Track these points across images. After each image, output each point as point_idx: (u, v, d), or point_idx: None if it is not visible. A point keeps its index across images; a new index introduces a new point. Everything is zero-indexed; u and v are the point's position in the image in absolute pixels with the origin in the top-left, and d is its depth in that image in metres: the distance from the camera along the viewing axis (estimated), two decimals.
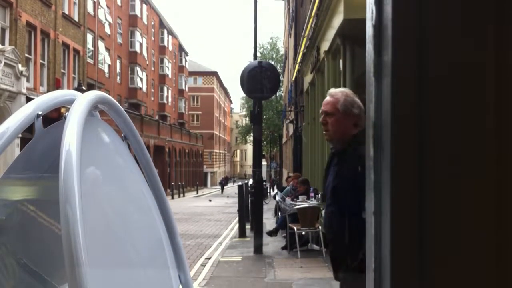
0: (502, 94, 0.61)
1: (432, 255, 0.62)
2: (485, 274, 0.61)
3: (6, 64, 16.43)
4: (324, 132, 2.59)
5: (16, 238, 1.40)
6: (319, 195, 10.01)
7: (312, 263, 8.44)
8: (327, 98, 2.57)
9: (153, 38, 46.31)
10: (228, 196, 33.72)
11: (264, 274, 7.85)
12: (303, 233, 9.46)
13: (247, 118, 49.28)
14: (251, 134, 31.80)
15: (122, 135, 1.63)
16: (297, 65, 18.21)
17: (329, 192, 2.56)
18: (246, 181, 17.20)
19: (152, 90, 45.68)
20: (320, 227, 9.27)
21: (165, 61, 49.47)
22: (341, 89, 2.63)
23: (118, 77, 36.53)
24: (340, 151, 2.57)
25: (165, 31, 49.69)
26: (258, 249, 9.59)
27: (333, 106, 2.52)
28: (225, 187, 46.55)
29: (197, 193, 41.95)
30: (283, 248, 9.83)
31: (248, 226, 12.37)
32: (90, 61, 28.46)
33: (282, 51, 43.99)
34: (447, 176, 0.62)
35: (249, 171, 66.07)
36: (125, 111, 1.65)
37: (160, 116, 45.47)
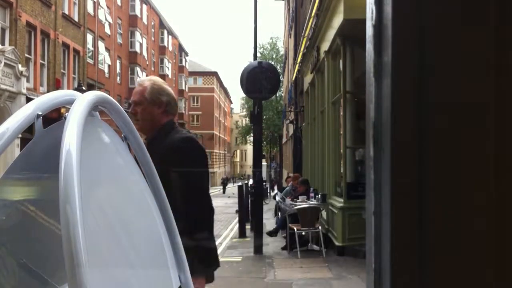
0: (502, 94, 0.61)
1: (432, 255, 0.61)
2: (485, 274, 0.61)
3: (6, 64, 16.43)
4: (135, 122, 2.52)
5: (16, 238, 1.40)
6: (319, 195, 10.02)
7: (312, 263, 8.44)
8: (136, 88, 2.53)
9: (153, 38, 46.31)
10: (229, 197, 33.71)
11: (264, 274, 7.84)
12: (303, 233, 9.46)
13: (247, 118, 49.29)
14: (251, 134, 31.82)
15: (122, 135, 1.63)
16: (297, 65, 18.21)
17: None
18: (246, 182, 17.20)
19: None
20: (320, 228, 9.27)
21: (165, 61, 49.47)
22: (150, 77, 2.61)
23: (118, 77, 36.53)
24: (151, 139, 2.53)
25: (165, 31, 49.70)
26: (258, 249, 9.59)
27: (141, 94, 2.48)
28: (226, 187, 46.63)
29: None
30: (283, 248, 9.82)
31: (248, 226, 12.36)
32: (90, 61, 28.46)
33: (282, 51, 44.00)
34: (447, 176, 0.62)
35: (249, 171, 66.06)
36: (125, 111, 1.64)
37: None
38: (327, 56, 10.46)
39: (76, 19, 24.63)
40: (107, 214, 1.44)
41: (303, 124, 17.67)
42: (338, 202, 9.27)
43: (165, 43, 49.69)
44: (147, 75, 42.77)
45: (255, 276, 7.83)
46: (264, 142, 44.59)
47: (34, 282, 1.37)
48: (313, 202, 9.88)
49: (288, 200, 10.65)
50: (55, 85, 21.26)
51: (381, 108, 0.66)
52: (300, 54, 16.01)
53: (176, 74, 55.74)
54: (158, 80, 2.59)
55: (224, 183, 47.33)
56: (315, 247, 9.50)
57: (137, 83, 2.57)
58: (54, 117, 1.56)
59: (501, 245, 0.61)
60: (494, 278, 0.61)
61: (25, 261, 1.35)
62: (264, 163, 32.22)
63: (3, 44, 17.53)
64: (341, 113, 9.44)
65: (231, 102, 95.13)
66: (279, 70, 31.36)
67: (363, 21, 0.71)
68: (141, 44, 41.27)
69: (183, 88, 57.83)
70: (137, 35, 40.09)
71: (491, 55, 0.61)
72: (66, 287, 1.08)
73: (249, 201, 13.01)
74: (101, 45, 31.48)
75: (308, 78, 15.41)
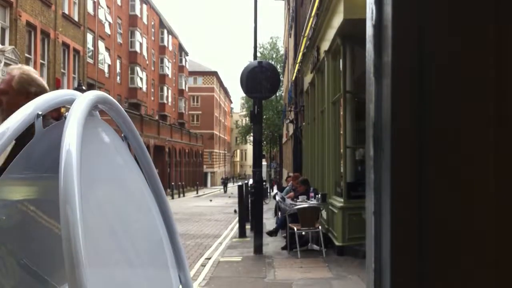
0: (502, 94, 0.61)
1: (432, 255, 0.61)
2: (485, 274, 0.61)
3: (6, 64, 16.44)
4: None
5: (16, 238, 1.40)
6: (319, 195, 10.03)
7: (312, 263, 8.44)
8: (5, 76, 2.37)
9: (153, 38, 46.31)
10: (229, 196, 33.73)
11: (264, 274, 7.84)
12: (303, 233, 9.46)
13: (247, 118, 49.25)
14: (251, 134, 31.81)
15: (122, 135, 1.63)
16: (297, 65, 18.21)
17: None
18: (245, 181, 17.21)
19: (152, 90, 45.70)
20: (320, 227, 9.28)
21: (165, 61, 49.49)
22: (20, 65, 2.43)
23: (118, 77, 36.54)
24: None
25: (165, 31, 49.70)
26: (258, 249, 9.59)
27: (8, 83, 2.29)
28: (226, 186, 46.75)
29: (197, 193, 41.94)
30: (283, 248, 9.83)
31: (248, 226, 12.37)
32: (90, 61, 28.48)
33: (282, 51, 43.97)
34: (447, 176, 0.62)
35: (249, 171, 66.10)
36: (125, 111, 1.64)
37: (160, 116, 45.49)
38: (327, 56, 10.46)
39: (76, 18, 24.63)
40: (107, 214, 1.44)
41: (303, 123, 17.67)
42: (338, 202, 9.27)
43: (165, 43, 49.69)
44: (147, 75, 42.79)
45: (255, 276, 7.83)
46: (264, 142, 44.63)
47: (34, 282, 1.37)
48: (313, 202, 9.88)
49: (288, 200, 10.65)
50: (55, 84, 21.26)
51: (381, 108, 0.66)
52: (300, 53, 16.01)
53: (176, 73, 55.75)
54: (28, 69, 2.42)
55: (225, 183, 47.47)
56: (315, 247, 9.50)
57: (6, 72, 2.39)
58: (54, 117, 1.56)
59: (501, 245, 0.61)
60: (494, 278, 0.61)
61: (25, 261, 1.34)
62: (264, 163, 32.24)
63: (3, 43, 17.54)
64: (341, 113, 9.44)
65: (231, 102, 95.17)
66: (279, 70, 31.34)
67: (363, 21, 0.71)
68: (141, 44, 41.27)
69: (183, 87, 57.87)
70: (137, 34, 40.09)
71: (491, 55, 0.61)
72: (66, 287, 1.08)
73: (249, 201, 13.01)
74: (101, 45, 31.50)
75: (308, 78, 15.41)
